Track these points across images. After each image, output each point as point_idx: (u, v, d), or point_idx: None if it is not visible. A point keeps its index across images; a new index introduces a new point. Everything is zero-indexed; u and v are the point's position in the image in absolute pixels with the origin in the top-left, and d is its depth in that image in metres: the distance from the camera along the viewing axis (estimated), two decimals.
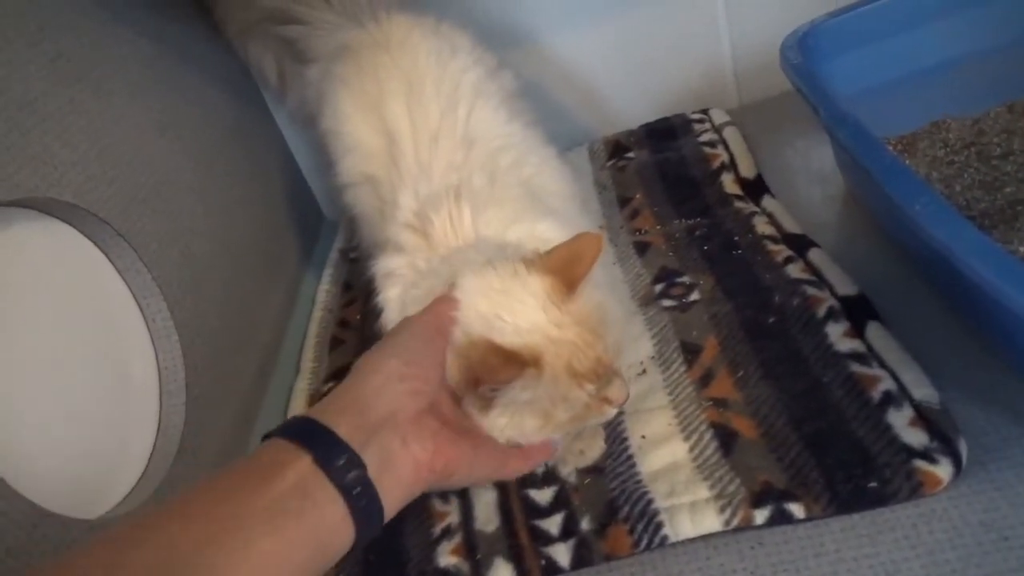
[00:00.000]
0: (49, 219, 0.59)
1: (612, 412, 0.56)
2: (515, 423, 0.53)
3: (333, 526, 0.41)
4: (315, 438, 0.43)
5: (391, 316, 0.63)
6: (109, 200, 0.62)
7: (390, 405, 0.46)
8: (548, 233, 0.62)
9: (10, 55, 0.57)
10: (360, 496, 0.42)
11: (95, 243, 0.63)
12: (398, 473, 0.45)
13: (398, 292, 0.62)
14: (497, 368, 0.49)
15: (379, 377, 0.48)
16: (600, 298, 0.55)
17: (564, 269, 0.53)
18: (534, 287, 0.53)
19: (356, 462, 0.42)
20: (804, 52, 0.72)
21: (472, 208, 0.61)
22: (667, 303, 0.73)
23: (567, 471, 0.60)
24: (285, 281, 0.95)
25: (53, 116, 0.59)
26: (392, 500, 0.44)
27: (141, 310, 0.65)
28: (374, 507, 0.43)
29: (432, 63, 0.72)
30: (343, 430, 0.43)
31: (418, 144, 0.67)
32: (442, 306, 0.53)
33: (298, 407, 0.78)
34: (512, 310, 0.52)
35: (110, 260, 0.64)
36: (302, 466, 0.41)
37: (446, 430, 0.48)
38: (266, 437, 0.44)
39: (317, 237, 1.09)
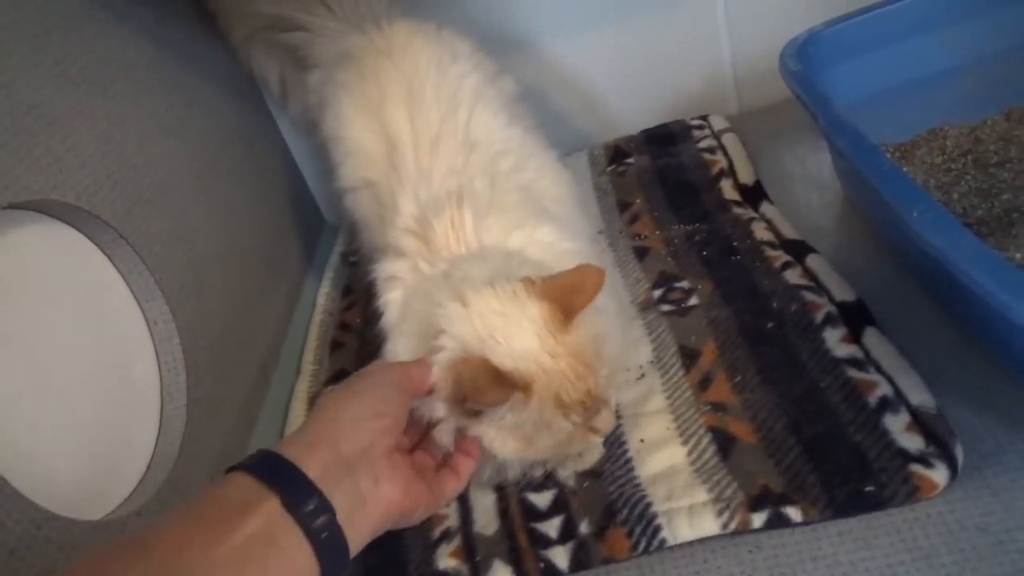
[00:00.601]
0: (52, 221, 0.60)
1: (597, 440, 0.57)
2: (498, 440, 0.53)
3: (297, 573, 0.39)
4: (283, 478, 0.41)
5: (392, 319, 0.63)
6: (112, 203, 0.63)
7: (364, 440, 0.44)
8: (548, 238, 0.62)
9: (16, 58, 0.58)
10: (327, 540, 0.40)
11: (98, 245, 0.63)
12: (369, 513, 0.43)
13: (399, 295, 0.63)
14: (485, 389, 0.49)
15: (354, 411, 0.46)
16: (599, 328, 0.55)
17: (564, 298, 0.52)
18: (532, 312, 0.52)
19: (325, 507, 0.40)
20: (803, 60, 0.72)
21: (474, 213, 0.61)
22: (666, 308, 0.73)
23: (566, 475, 0.61)
24: (286, 284, 0.95)
25: (58, 119, 0.60)
26: (359, 539, 0.43)
27: (143, 312, 0.66)
28: (340, 551, 0.41)
29: (432, 69, 0.73)
30: (314, 468, 0.41)
31: (419, 149, 0.68)
32: (415, 368, 0.52)
33: (299, 409, 0.79)
34: (507, 332, 0.52)
35: (113, 263, 0.64)
36: (269, 509, 0.39)
37: (411, 469, 0.48)
38: (231, 469, 0.42)
39: (318, 241, 1.09)
